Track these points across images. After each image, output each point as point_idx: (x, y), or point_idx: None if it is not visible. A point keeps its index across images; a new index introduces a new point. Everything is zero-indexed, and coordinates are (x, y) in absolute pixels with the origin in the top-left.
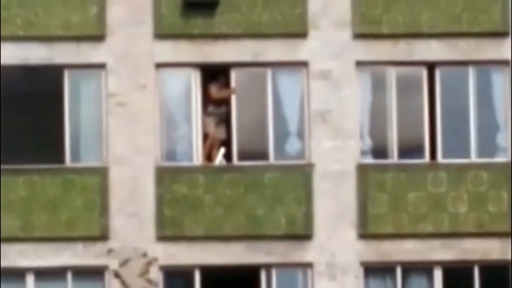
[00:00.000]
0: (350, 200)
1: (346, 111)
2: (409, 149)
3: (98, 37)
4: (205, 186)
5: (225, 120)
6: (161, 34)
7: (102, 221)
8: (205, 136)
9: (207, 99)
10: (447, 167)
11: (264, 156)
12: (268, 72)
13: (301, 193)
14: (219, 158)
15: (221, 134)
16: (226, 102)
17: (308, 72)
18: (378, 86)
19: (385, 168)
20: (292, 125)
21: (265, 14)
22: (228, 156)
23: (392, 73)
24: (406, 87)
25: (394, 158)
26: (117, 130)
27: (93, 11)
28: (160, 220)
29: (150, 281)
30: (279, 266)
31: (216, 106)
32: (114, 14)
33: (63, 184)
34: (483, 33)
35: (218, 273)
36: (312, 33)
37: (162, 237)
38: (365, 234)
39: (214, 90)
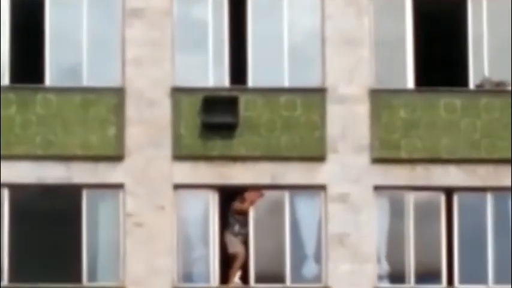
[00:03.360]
0: None
1: (363, 235)
2: (426, 274)
3: (116, 157)
4: None
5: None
6: (180, 155)
7: None
8: (232, 256)
9: (232, 215)
10: None
11: (280, 279)
12: (286, 194)
13: None
14: (235, 280)
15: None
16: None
17: (326, 195)
18: (396, 211)
19: None
20: (310, 248)
21: (283, 136)
22: (244, 278)
23: (410, 198)
24: (424, 212)
25: (411, 283)
26: (134, 250)
27: (111, 131)
28: None
29: None
30: None
31: (242, 225)
32: (133, 134)
33: None
34: (501, 159)
35: None
36: (330, 156)
37: None
38: None
39: (237, 203)
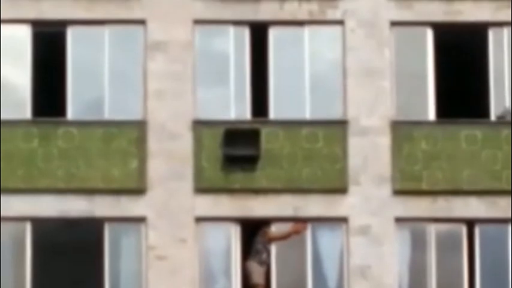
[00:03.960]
0: None
1: (385, 267)
2: None
3: (139, 190)
4: None
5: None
6: (201, 188)
7: None
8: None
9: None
10: None
11: None
12: (308, 227)
13: None
14: None
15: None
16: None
17: (348, 228)
18: (417, 243)
19: None
20: (332, 281)
21: (305, 169)
22: None
23: (431, 230)
24: (446, 244)
25: None
26: (156, 283)
27: (133, 164)
28: None
29: None
30: None
31: (269, 255)
32: (155, 167)
33: None
34: None
35: None
36: (352, 188)
37: None
38: None
39: (276, 231)
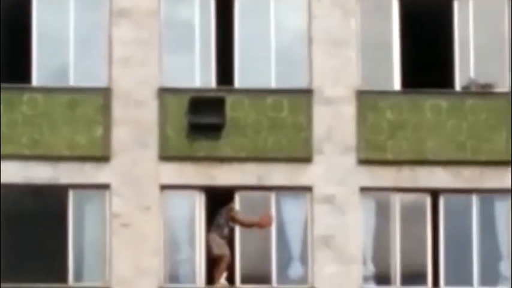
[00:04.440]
0: None
1: (349, 236)
2: (412, 276)
3: (103, 158)
4: None
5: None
6: (166, 156)
7: None
8: (218, 258)
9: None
10: None
11: (266, 280)
12: (272, 196)
13: None
14: (222, 281)
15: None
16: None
17: (312, 197)
18: (382, 212)
19: None
20: (296, 250)
21: (270, 137)
22: (230, 279)
23: (396, 199)
24: (410, 214)
25: (396, 285)
26: (120, 251)
27: (98, 131)
28: None
29: None
30: None
31: (230, 231)
32: (120, 135)
33: None
34: (487, 161)
35: None
36: (316, 157)
37: None
38: None
39: (242, 215)
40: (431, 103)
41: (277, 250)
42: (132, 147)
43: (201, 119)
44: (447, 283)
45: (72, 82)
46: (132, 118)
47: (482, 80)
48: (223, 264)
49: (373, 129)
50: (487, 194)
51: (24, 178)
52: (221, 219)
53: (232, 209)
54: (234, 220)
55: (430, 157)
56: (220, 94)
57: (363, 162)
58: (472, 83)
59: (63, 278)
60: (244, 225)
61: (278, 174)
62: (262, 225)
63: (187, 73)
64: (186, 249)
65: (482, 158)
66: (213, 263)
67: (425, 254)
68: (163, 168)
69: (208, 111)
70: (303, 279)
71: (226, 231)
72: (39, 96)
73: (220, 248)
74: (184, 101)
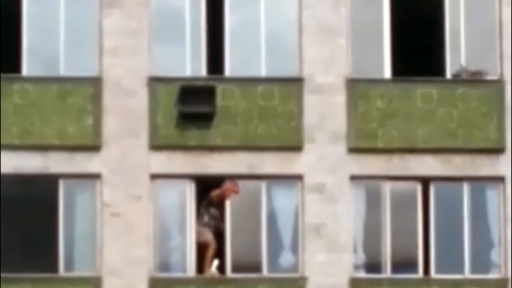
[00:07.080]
0: None
1: (340, 225)
2: (403, 264)
3: (94, 147)
4: None
5: (218, 233)
6: (156, 145)
7: None
8: (202, 245)
9: (204, 205)
10: (440, 283)
11: (257, 268)
12: (263, 185)
13: None
14: (212, 270)
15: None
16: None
17: (303, 185)
18: (372, 201)
19: (378, 282)
20: (286, 238)
21: (260, 126)
22: (221, 268)
23: (386, 188)
24: (400, 202)
25: (387, 273)
26: (111, 240)
27: (89, 121)
28: None
29: None
30: None
31: (211, 217)
32: (110, 124)
33: None
34: (478, 149)
35: None
36: (307, 146)
37: None
38: None
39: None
40: (421, 91)
41: (268, 239)
42: (123, 137)
43: (192, 108)
44: (438, 271)
45: (62, 72)
46: (123, 107)
47: (472, 68)
48: (210, 252)
49: (363, 118)
50: (478, 182)
51: (14, 168)
52: (201, 208)
53: (210, 195)
54: (211, 202)
55: (421, 145)
56: (210, 83)
57: (353, 150)
58: (462, 71)
59: (53, 268)
60: (218, 200)
61: (269, 163)
62: (229, 192)
63: (177, 62)
64: (176, 238)
65: (473, 146)
66: (201, 252)
67: (416, 242)
68: (154, 157)
69: (199, 100)
70: (294, 268)
71: (206, 219)
72: (29, 86)
73: (200, 235)
74: (175, 90)
